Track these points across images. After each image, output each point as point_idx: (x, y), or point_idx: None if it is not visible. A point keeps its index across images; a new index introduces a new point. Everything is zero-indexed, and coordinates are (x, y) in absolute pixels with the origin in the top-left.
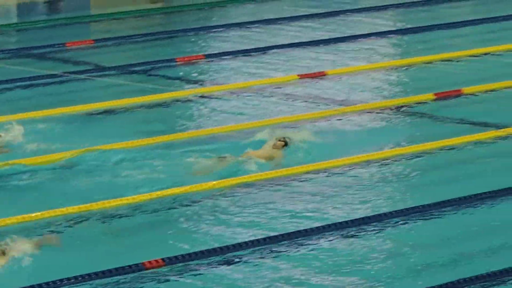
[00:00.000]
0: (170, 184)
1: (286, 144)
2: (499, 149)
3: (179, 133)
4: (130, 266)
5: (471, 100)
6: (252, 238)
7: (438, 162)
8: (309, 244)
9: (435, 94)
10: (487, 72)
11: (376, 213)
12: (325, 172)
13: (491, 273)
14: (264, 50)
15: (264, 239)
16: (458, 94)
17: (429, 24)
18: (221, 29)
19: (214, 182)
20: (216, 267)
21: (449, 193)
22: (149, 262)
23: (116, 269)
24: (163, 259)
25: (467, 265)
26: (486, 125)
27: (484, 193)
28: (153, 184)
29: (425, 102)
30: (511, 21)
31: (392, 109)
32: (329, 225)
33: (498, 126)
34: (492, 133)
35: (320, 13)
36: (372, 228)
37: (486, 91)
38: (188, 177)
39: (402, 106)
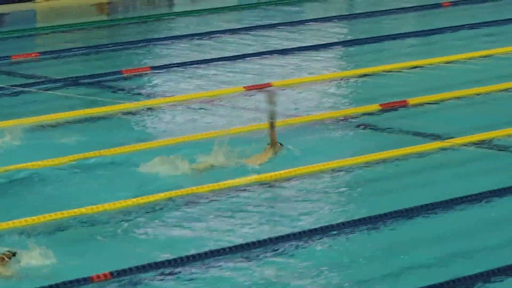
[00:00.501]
0: (116, 197)
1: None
2: (444, 160)
3: (127, 146)
4: (78, 280)
5: (416, 111)
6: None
7: (383, 173)
8: (255, 257)
9: (381, 105)
10: (432, 82)
11: (321, 225)
12: (270, 184)
13: (438, 284)
14: (210, 62)
15: (205, 253)
16: (403, 105)
17: (374, 36)
18: (167, 41)
19: (160, 195)
20: (163, 279)
21: (396, 204)
22: (97, 276)
23: (64, 283)
24: (111, 273)
25: (417, 276)
26: (431, 136)
27: (431, 203)
28: (98, 197)
29: (371, 113)
30: (452, 32)
31: (338, 120)
32: (276, 238)
33: (443, 137)
34: (437, 144)
35: (266, 25)
36: (317, 240)
37: (431, 102)
38: (136, 190)
39: (348, 117)
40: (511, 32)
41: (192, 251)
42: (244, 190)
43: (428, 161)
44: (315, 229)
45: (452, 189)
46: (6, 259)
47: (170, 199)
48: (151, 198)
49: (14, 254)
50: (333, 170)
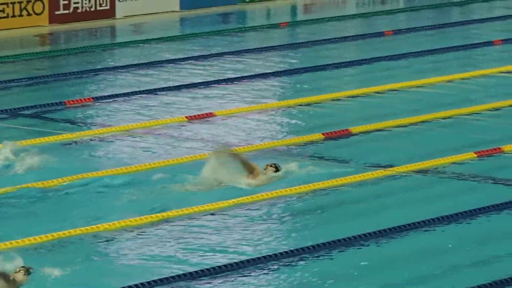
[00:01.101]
0: (57, 227)
1: (277, 170)
2: (388, 188)
3: (69, 176)
4: None
5: (359, 140)
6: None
7: (327, 202)
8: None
9: (324, 134)
10: (373, 111)
11: (262, 254)
12: (208, 213)
13: None
14: (152, 92)
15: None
16: (346, 134)
17: (316, 64)
18: (110, 71)
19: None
20: None
21: (338, 233)
22: None
23: None
24: None
25: None
26: (374, 165)
27: (374, 232)
28: (39, 227)
29: (314, 142)
30: (394, 61)
31: (281, 150)
32: (213, 268)
33: (385, 165)
34: (380, 172)
35: (208, 54)
36: (258, 269)
37: (373, 130)
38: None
39: (292, 147)
40: (453, 60)
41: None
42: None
43: (372, 189)
44: (259, 258)
45: (395, 216)
46: (21, 275)
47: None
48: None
49: (28, 271)
50: (278, 198)
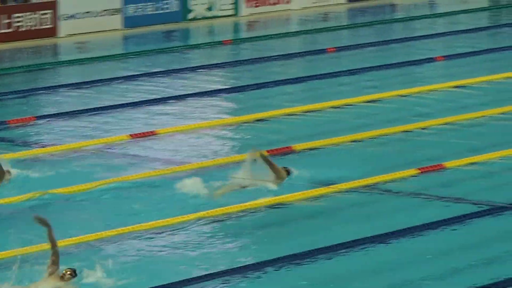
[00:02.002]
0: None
1: (289, 173)
2: (332, 205)
3: (16, 197)
4: None
5: (301, 156)
6: None
7: (271, 219)
8: None
9: (268, 151)
10: (317, 128)
11: (212, 271)
12: (154, 231)
13: None
14: (95, 110)
15: None
16: (288, 151)
17: (260, 82)
18: (53, 90)
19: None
20: None
21: (284, 250)
22: None
23: None
24: None
25: None
26: (317, 182)
27: (320, 248)
28: None
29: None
30: (337, 78)
31: (224, 167)
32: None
33: (328, 183)
34: (323, 190)
35: (152, 72)
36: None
37: (316, 148)
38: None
39: (235, 163)
40: (396, 76)
41: None
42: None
43: (317, 206)
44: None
45: (343, 232)
46: (67, 276)
47: None
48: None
49: (74, 272)
50: (224, 215)
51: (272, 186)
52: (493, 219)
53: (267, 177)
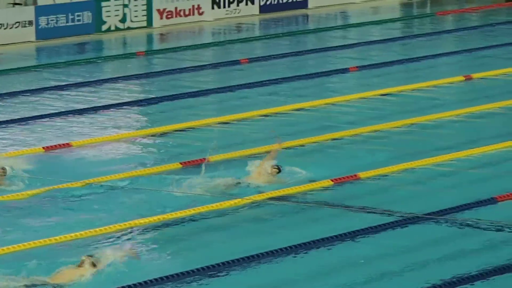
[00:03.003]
0: None
1: (279, 171)
2: (247, 217)
3: None
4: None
5: (216, 168)
6: None
7: (182, 230)
8: None
9: (182, 163)
10: (231, 139)
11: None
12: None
13: None
14: (7, 123)
15: None
16: (202, 162)
17: (172, 93)
18: None
19: None
20: None
21: (199, 262)
22: None
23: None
24: None
25: None
26: (232, 193)
27: (237, 259)
28: None
29: (172, 171)
30: (250, 89)
31: (138, 178)
32: None
33: (242, 194)
34: (239, 201)
35: (64, 85)
36: None
37: (231, 159)
38: None
39: (149, 175)
40: (310, 87)
41: None
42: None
43: (232, 217)
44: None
45: (252, 244)
46: (87, 264)
47: None
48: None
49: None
50: (131, 229)
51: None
52: (405, 229)
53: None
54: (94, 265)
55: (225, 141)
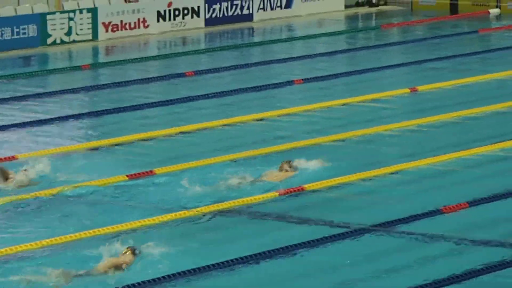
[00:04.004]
0: None
1: (291, 166)
2: (193, 228)
3: None
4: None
5: (164, 181)
6: None
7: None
8: None
9: (128, 176)
10: (178, 151)
11: None
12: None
13: None
14: None
15: None
16: (150, 175)
17: (117, 106)
18: None
19: None
20: None
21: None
22: None
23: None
24: None
25: None
26: (178, 206)
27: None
28: None
29: (117, 184)
30: (196, 101)
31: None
32: None
33: (188, 206)
34: (183, 213)
35: (9, 98)
36: None
37: (175, 171)
38: None
39: (94, 190)
40: (255, 100)
41: None
42: None
43: (176, 230)
44: None
45: (188, 260)
46: (128, 254)
47: None
48: None
49: (135, 251)
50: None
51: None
52: (352, 241)
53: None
54: (135, 254)
55: (173, 153)
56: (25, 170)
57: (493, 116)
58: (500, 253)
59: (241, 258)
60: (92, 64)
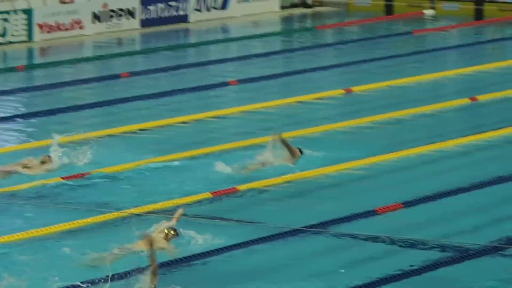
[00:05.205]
0: None
1: (302, 152)
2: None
3: None
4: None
5: (97, 182)
6: None
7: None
8: None
9: (63, 178)
10: (113, 151)
11: None
12: None
13: None
14: None
15: None
16: (83, 177)
17: (53, 108)
18: None
19: None
20: None
21: None
22: None
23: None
24: None
25: None
26: (119, 206)
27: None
28: None
29: (53, 184)
30: (132, 103)
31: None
32: None
33: (119, 208)
34: (115, 214)
35: None
36: None
37: (121, 171)
38: None
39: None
40: (190, 101)
41: None
42: None
43: (114, 230)
44: None
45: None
46: (170, 235)
47: None
48: None
49: (176, 233)
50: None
51: (290, 164)
52: (285, 242)
53: (284, 156)
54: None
55: (109, 154)
56: None
57: (428, 117)
58: (435, 254)
59: (177, 259)
60: (26, 65)
